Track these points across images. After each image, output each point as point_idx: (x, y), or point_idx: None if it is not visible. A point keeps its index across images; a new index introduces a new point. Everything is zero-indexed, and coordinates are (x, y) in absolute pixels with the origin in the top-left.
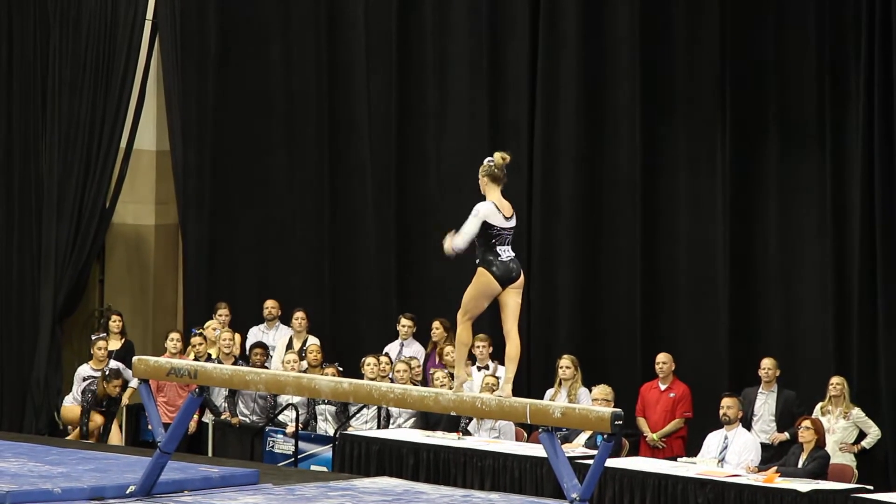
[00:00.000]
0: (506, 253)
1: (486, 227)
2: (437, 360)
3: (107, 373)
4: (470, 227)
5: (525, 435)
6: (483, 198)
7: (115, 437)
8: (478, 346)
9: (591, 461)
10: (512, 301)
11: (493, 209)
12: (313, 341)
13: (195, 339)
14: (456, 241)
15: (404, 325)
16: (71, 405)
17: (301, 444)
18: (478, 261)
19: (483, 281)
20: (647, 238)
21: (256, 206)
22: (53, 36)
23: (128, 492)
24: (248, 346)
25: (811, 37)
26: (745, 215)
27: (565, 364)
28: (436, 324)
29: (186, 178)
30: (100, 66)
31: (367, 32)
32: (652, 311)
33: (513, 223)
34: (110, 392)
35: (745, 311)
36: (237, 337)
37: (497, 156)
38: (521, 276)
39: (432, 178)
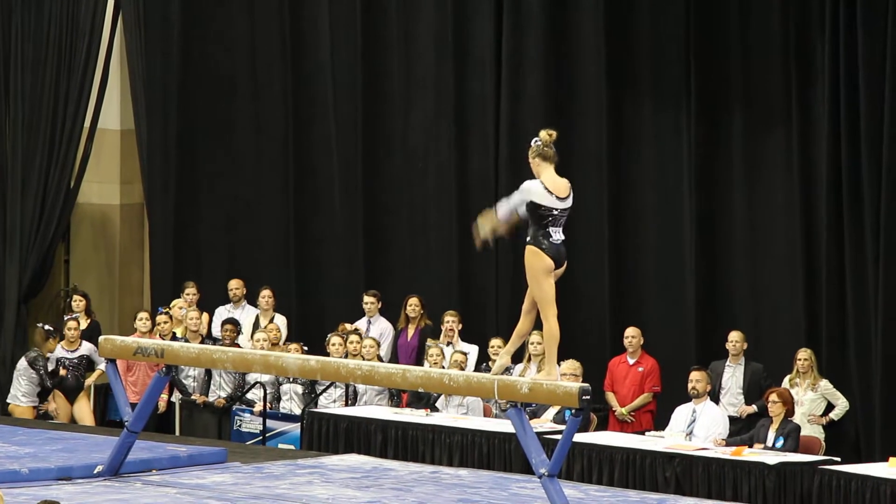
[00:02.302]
0: (557, 235)
1: (535, 206)
2: (408, 335)
3: (49, 328)
4: (513, 200)
5: (493, 411)
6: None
7: (86, 416)
8: (446, 321)
9: (559, 436)
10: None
11: (541, 189)
12: (280, 320)
13: (161, 318)
14: (499, 209)
15: (368, 302)
16: (14, 404)
17: (269, 423)
18: (528, 239)
19: (535, 261)
20: (613, 213)
21: (222, 184)
22: (16, 15)
23: (95, 472)
24: (214, 325)
25: (776, 10)
26: (711, 189)
27: (536, 340)
28: (413, 300)
29: (151, 157)
30: (63, 45)
31: (331, 9)
32: (620, 285)
33: (567, 203)
34: (43, 350)
35: (712, 285)
36: (204, 316)
37: (543, 134)
38: (565, 265)
39: (398, 155)
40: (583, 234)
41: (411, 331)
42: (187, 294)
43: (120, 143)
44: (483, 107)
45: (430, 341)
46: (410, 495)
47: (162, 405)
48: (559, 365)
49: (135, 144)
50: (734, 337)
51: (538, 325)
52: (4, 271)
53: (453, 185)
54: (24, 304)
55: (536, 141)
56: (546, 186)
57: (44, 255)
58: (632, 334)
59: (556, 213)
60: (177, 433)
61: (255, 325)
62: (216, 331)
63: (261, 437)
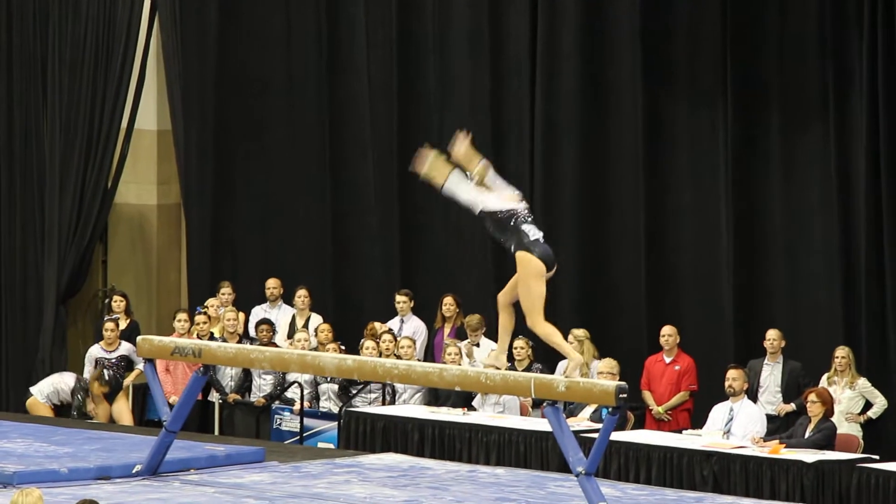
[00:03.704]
0: (535, 233)
1: (493, 215)
2: (444, 334)
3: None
4: (462, 195)
5: (530, 409)
6: None
7: (125, 416)
8: (470, 325)
9: (596, 435)
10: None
11: (491, 199)
12: (317, 319)
13: (199, 318)
14: (448, 185)
15: (400, 301)
16: (34, 399)
17: (308, 422)
18: (513, 247)
19: (527, 266)
20: (650, 211)
21: (258, 184)
22: (53, 16)
23: (134, 471)
24: (251, 325)
25: (813, 7)
26: (748, 187)
27: (575, 337)
28: (448, 299)
29: (188, 157)
30: (100, 46)
31: (367, 7)
32: (656, 284)
33: (523, 204)
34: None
35: (749, 283)
36: (241, 315)
37: (480, 168)
38: (555, 266)
39: None
40: (619, 233)
41: (447, 330)
42: (222, 294)
43: (156, 143)
44: (518, 104)
45: (447, 340)
46: (447, 494)
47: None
48: (599, 360)
49: (171, 145)
50: (772, 335)
51: (574, 322)
52: (43, 272)
53: None
54: (62, 305)
55: (472, 178)
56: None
57: (81, 255)
58: (668, 333)
59: (518, 211)
60: (216, 432)
61: (292, 325)
62: (253, 331)
63: (299, 437)
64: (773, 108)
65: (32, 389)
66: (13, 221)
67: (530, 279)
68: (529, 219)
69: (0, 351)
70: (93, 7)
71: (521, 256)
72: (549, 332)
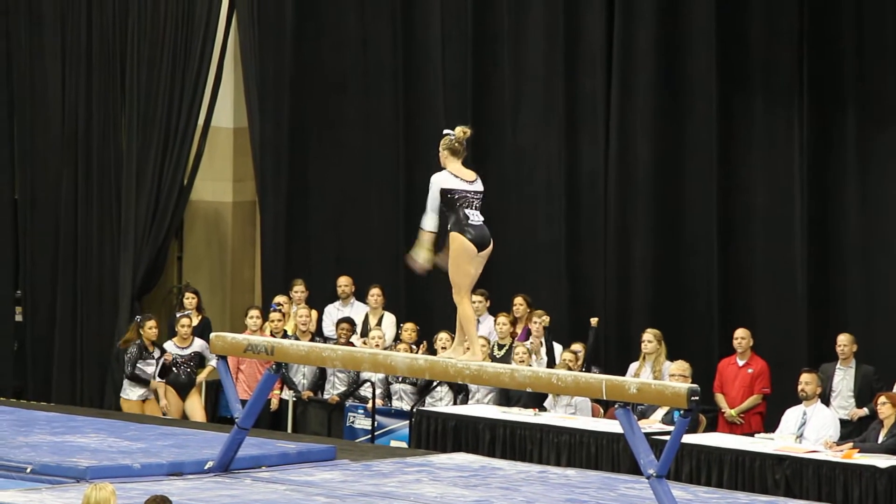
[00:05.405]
0: (475, 217)
1: (446, 193)
2: (522, 335)
3: (139, 320)
4: (431, 203)
5: (601, 411)
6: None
7: (198, 412)
8: (534, 322)
9: (667, 437)
10: (475, 270)
11: (446, 175)
12: (389, 317)
13: (274, 315)
14: (425, 224)
15: (475, 301)
16: (127, 398)
17: (381, 420)
18: (449, 226)
19: (458, 246)
20: (723, 211)
21: (332, 181)
22: (132, 13)
23: (206, 467)
24: (325, 323)
25: (890, 4)
26: (823, 188)
27: (648, 338)
28: (518, 299)
29: (264, 155)
30: (178, 43)
31: (443, 6)
32: (730, 285)
33: (477, 187)
34: (147, 336)
35: (823, 286)
36: (313, 313)
37: (458, 130)
38: (491, 245)
39: (508, 152)
40: (692, 234)
41: (519, 329)
42: (295, 292)
43: (233, 140)
44: (593, 102)
45: (517, 343)
46: (518, 495)
47: (274, 402)
48: (670, 363)
49: (247, 142)
50: (843, 340)
51: (646, 323)
52: (119, 268)
53: (562, 181)
54: (137, 301)
55: (450, 134)
56: (452, 173)
57: (157, 251)
58: (742, 335)
59: (468, 195)
60: (289, 430)
61: (365, 323)
62: (327, 328)
63: (370, 435)
64: (849, 106)
65: (122, 395)
66: (90, 217)
67: (459, 259)
68: (476, 202)
69: (76, 346)
70: (171, 5)
71: (453, 236)
72: (469, 317)
